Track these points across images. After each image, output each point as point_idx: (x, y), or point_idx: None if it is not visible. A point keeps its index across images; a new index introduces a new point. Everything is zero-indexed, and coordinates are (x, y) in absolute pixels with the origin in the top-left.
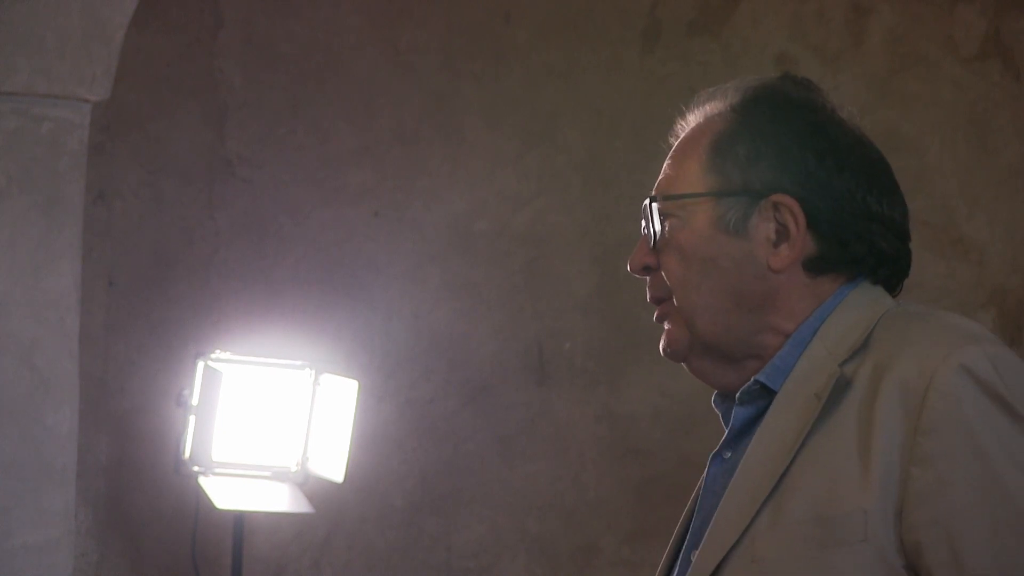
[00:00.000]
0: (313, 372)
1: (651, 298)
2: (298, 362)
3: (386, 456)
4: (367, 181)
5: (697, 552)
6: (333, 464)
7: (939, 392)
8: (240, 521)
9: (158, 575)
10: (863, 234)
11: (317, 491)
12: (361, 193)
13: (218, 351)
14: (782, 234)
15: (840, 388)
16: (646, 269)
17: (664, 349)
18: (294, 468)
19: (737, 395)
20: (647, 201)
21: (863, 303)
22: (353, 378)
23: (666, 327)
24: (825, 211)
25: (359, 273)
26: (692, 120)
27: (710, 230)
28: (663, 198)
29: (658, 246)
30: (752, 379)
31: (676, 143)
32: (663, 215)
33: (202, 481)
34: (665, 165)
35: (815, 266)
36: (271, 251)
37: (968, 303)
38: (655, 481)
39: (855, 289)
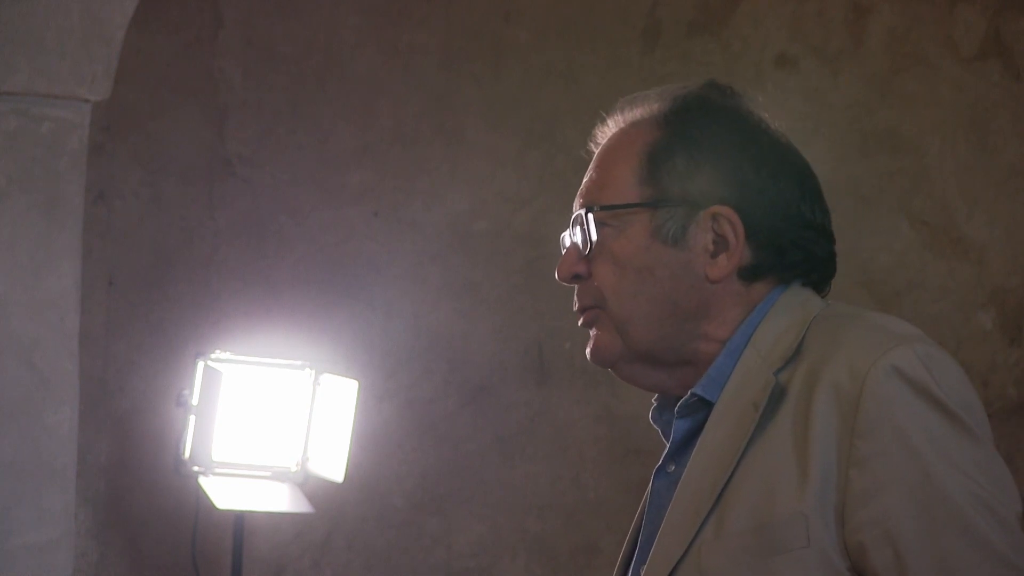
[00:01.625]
0: (313, 372)
1: (579, 306)
2: (298, 362)
3: (386, 456)
4: (367, 181)
5: (644, 567)
6: (333, 464)
7: (872, 394)
8: (240, 521)
9: (158, 575)
10: (799, 241)
11: (317, 491)
12: (361, 193)
13: (218, 351)
14: (720, 244)
15: (776, 396)
16: (576, 277)
17: (592, 355)
18: (294, 468)
19: (676, 408)
20: (581, 211)
21: (793, 307)
22: (353, 378)
23: (593, 333)
24: (762, 220)
25: (359, 273)
26: (614, 126)
27: (647, 240)
28: (600, 208)
29: (591, 254)
30: (689, 392)
31: (600, 149)
32: (597, 224)
33: (202, 481)
34: (591, 171)
35: (750, 274)
36: (271, 251)
37: (968, 303)
38: None
39: (784, 293)
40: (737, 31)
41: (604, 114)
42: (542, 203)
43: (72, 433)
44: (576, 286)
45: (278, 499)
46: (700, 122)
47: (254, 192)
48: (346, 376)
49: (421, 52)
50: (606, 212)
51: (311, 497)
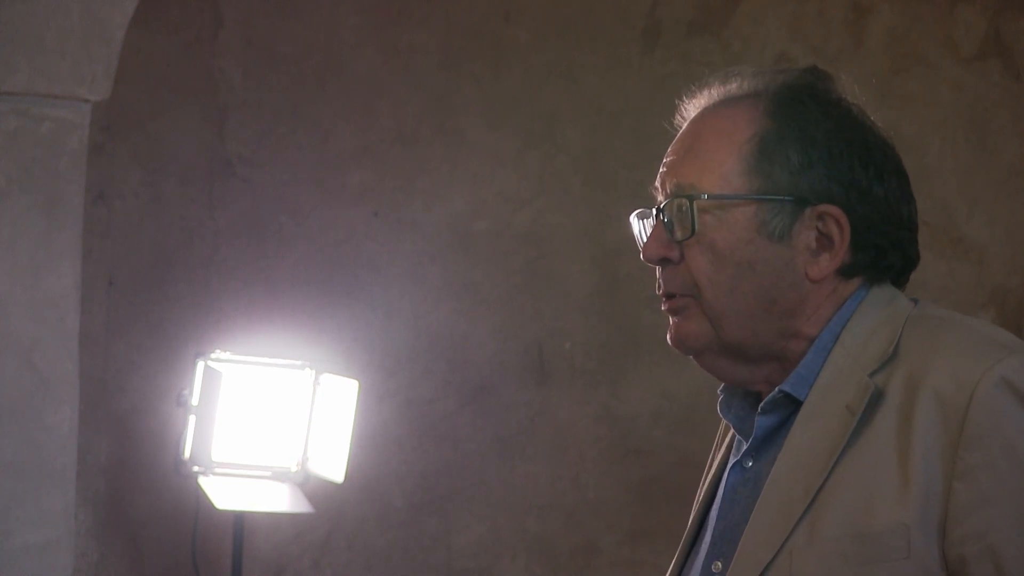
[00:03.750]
0: (313, 372)
1: (664, 291)
2: (298, 362)
3: (386, 456)
4: (367, 181)
5: (728, 569)
6: (333, 464)
7: (980, 405)
8: (240, 521)
9: (158, 575)
10: (898, 243)
11: (317, 491)
12: (361, 193)
13: (218, 351)
14: (823, 243)
15: (873, 401)
16: (664, 261)
17: (677, 342)
18: (294, 468)
19: (760, 405)
20: (683, 197)
21: (880, 305)
22: (353, 378)
23: (675, 320)
24: (867, 221)
25: (359, 273)
26: (703, 104)
27: (751, 234)
28: (708, 197)
29: (686, 241)
30: (776, 389)
31: (693, 126)
32: (699, 211)
33: (202, 481)
34: (682, 149)
35: (847, 273)
36: (271, 251)
37: (968, 303)
38: (655, 481)
39: (871, 291)
40: (737, 31)
41: (695, 87)
42: (542, 203)
43: (72, 433)
44: (659, 268)
45: (278, 499)
46: (813, 114)
47: (254, 192)
48: (346, 376)
49: (421, 52)
50: (712, 201)
51: (311, 497)
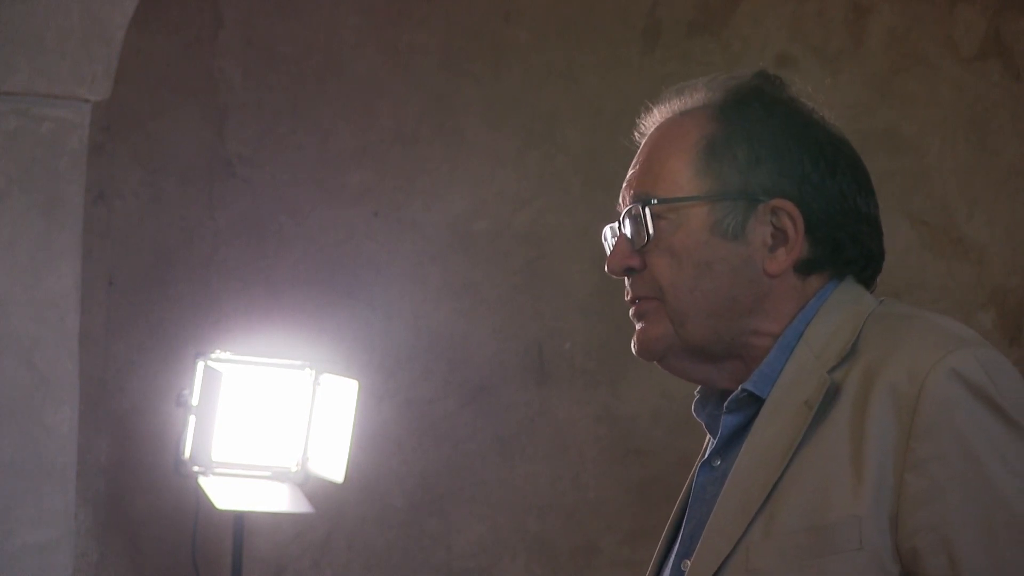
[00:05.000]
0: (313, 372)
1: (632, 297)
2: (298, 362)
3: (386, 456)
4: (367, 181)
5: (690, 563)
6: (333, 464)
7: (931, 397)
8: (240, 521)
9: (158, 575)
10: (856, 235)
11: (317, 491)
12: (361, 193)
13: (218, 351)
14: (778, 238)
15: (830, 395)
16: (628, 271)
17: (641, 349)
18: (294, 468)
19: (725, 404)
20: (635, 204)
21: (845, 303)
22: (353, 378)
23: (640, 327)
24: (821, 214)
25: (359, 273)
26: (661, 116)
27: (706, 234)
28: (658, 201)
29: (646, 248)
30: (740, 387)
31: (649, 140)
32: (654, 217)
33: (202, 481)
34: (640, 162)
35: (806, 268)
36: (271, 251)
37: (968, 303)
38: (655, 481)
39: (836, 289)
40: (737, 31)
41: (650, 103)
42: (542, 203)
43: (72, 433)
44: (627, 279)
45: (278, 499)
46: (759, 114)
47: (254, 192)
48: (346, 376)
49: (421, 52)
50: (663, 205)
51: (311, 497)
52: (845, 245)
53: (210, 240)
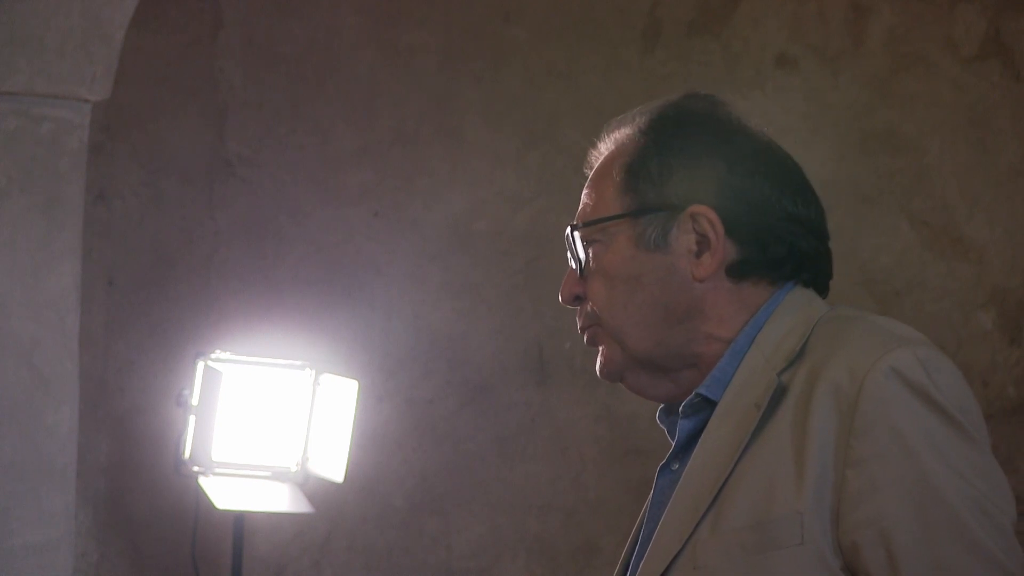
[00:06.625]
0: (313, 372)
1: (581, 326)
2: (298, 362)
3: (386, 456)
4: (367, 181)
5: (642, 562)
6: (333, 464)
7: (870, 395)
8: (240, 521)
9: (158, 575)
10: (782, 235)
11: (317, 491)
12: (361, 193)
13: (218, 351)
14: (703, 244)
15: (777, 396)
16: (577, 299)
17: (600, 371)
18: (294, 468)
19: (680, 408)
20: (568, 231)
21: (796, 309)
22: (353, 378)
23: (600, 350)
24: (742, 216)
25: (359, 273)
26: (604, 149)
27: (632, 249)
28: (583, 225)
29: (585, 274)
30: (694, 392)
31: (591, 173)
32: (586, 242)
33: (202, 481)
34: (583, 195)
35: (737, 271)
36: (271, 251)
37: (968, 303)
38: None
39: (788, 295)
40: (737, 31)
41: (595, 140)
42: (542, 203)
43: (72, 433)
44: (578, 308)
45: (278, 499)
46: (671, 129)
47: (254, 192)
48: (346, 376)
49: (421, 52)
50: (590, 228)
51: (311, 497)
52: (770, 244)
53: (210, 240)
